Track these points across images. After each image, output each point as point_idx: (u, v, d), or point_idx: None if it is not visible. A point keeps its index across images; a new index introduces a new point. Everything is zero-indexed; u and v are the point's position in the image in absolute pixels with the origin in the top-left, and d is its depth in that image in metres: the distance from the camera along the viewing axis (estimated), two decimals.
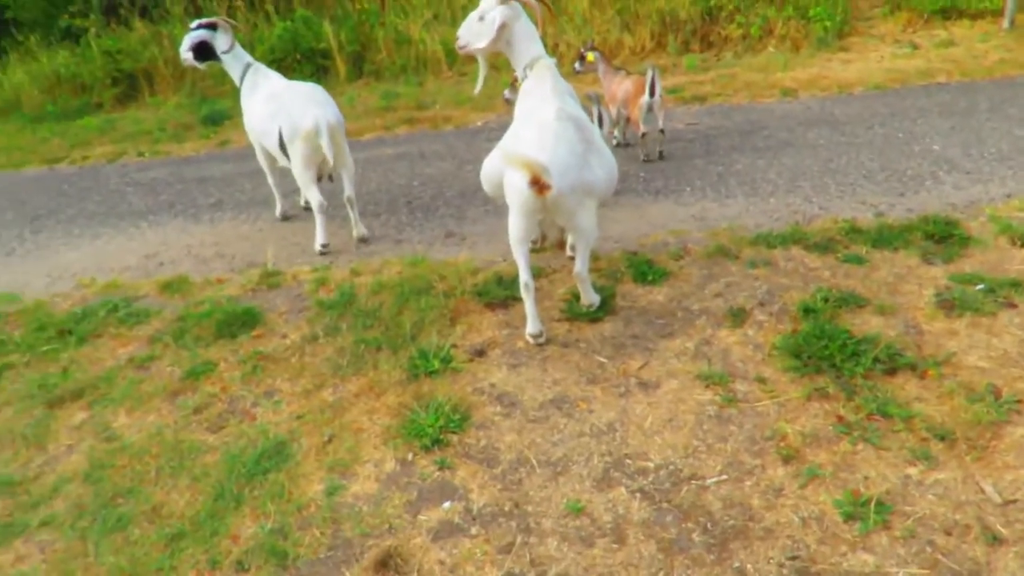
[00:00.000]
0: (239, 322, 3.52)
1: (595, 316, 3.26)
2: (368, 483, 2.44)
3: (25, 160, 7.18)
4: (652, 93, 4.85)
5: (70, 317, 3.76)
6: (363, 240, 4.36)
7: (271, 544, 2.21)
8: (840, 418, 2.49)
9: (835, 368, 2.71)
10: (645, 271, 3.56)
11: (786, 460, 2.35)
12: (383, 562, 2.10)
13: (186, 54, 4.52)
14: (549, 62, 3.23)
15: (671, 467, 2.39)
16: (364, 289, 3.73)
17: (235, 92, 8.42)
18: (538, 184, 2.74)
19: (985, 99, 5.79)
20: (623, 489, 2.33)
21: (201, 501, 2.44)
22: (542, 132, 2.92)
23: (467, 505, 2.31)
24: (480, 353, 3.12)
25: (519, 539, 2.17)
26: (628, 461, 2.44)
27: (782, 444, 2.42)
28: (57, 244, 4.96)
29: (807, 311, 3.07)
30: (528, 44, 3.26)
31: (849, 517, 2.11)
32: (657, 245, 3.88)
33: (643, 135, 5.08)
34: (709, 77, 7.21)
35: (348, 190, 4.24)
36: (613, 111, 5.30)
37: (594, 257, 3.79)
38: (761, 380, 2.74)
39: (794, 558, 2.02)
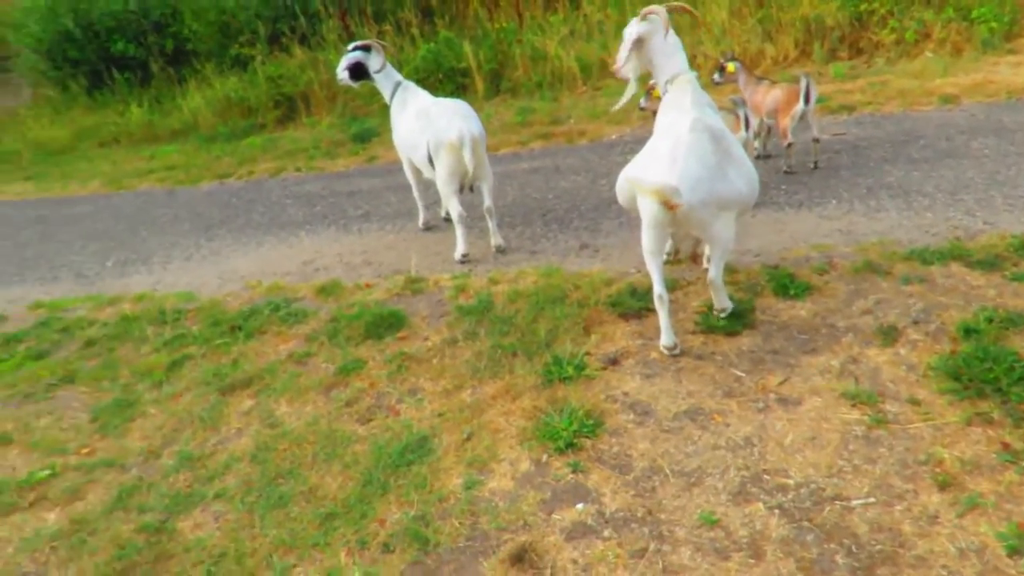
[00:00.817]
0: (386, 324, 3.76)
1: (732, 329, 3.21)
2: (504, 480, 2.54)
3: (200, 176, 8.01)
4: (807, 101, 4.72)
5: (239, 315, 4.17)
6: (500, 250, 4.51)
7: (414, 530, 2.36)
8: (1005, 445, 2.31)
9: (1000, 392, 2.51)
10: (787, 285, 3.45)
11: (942, 487, 2.21)
12: (518, 556, 2.19)
13: (342, 74, 4.88)
14: (690, 76, 3.22)
15: (812, 486, 2.32)
16: (501, 297, 3.87)
17: (382, 111, 9.02)
18: (668, 204, 2.78)
19: None
20: (761, 505, 2.28)
21: (351, 486, 2.64)
22: (675, 146, 2.93)
23: (600, 508, 2.35)
24: (613, 362, 3.15)
25: (652, 546, 2.19)
26: (766, 477, 2.39)
27: (938, 470, 2.28)
28: (228, 251, 5.50)
29: (968, 331, 2.87)
30: (669, 58, 3.25)
31: (1014, 551, 1.96)
32: (799, 259, 3.75)
33: (789, 145, 4.92)
34: (858, 85, 6.85)
35: (488, 201, 4.42)
36: (755, 122, 5.16)
37: (732, 270, 3.72)
38: (914, 402, 2.59)
39: None
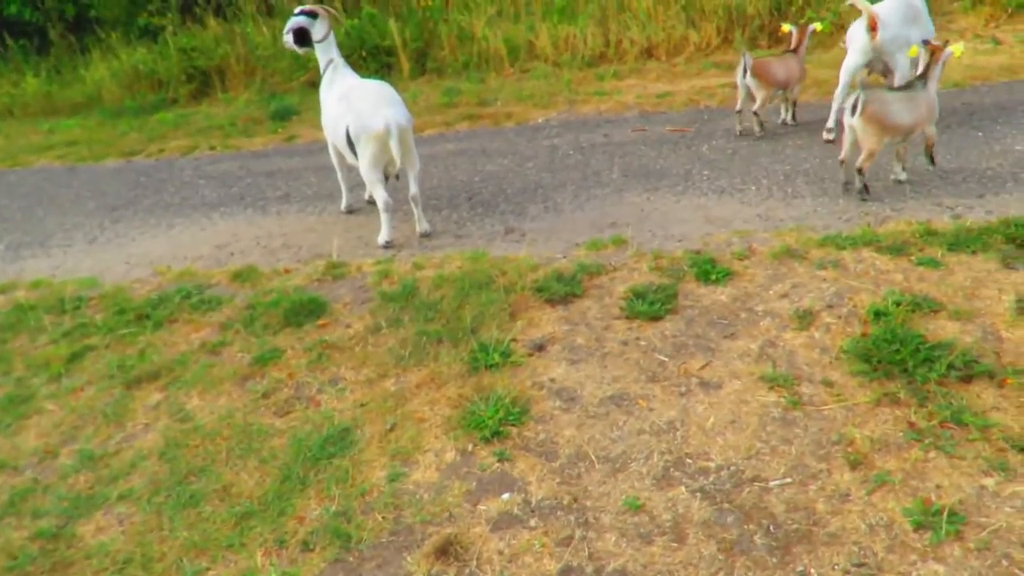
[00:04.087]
0: (305, 311, 3.62)
1: (656, 315, 3.24)
2: (429, 472, 2.48)
3: (105, 153, 7.53)
4: (744, 75, 5.23)
5: (147, 303, 3.94)
6: (426, 236, 4.41)
7: (335, 526, 2.28)
8: (911, 425, 2.41)
9: (907, 373, 2.62)
10: (708, 270, 3.51)
11: (853, 466, 2.29)
12: (443, 549, 2.14)
13: (286, 37, 4.63)
14: None
15: (732, 468, 2.36)
16: (426, 282, 3.79)
17: (303, 88, 8.72)
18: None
19: None
20: (683, 488, 2.31)
21: (269, 482, 2.53)
22: None
23: (526, 497, 2.33)
24: (540, 348, 3.13)
25: (577, 533, 2.18)
26: (689, 460, 2.42)
27: (849, 449, 2.36)
28: (134, 233, 5.19)
29: (877, 314, 2.98)
30: None
31: (919, 526, 2.04)
32: (721, 244, 3.82)
33: (738, 112, 5.52)
34: None
35: (413, 188, 4.28)
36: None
37: (656, 255, 3.76)
38: (828, 384, 2.67)
39: (860, 565, 1.97)
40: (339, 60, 4.58)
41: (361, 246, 4.43)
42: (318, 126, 7.60)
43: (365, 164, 4.18)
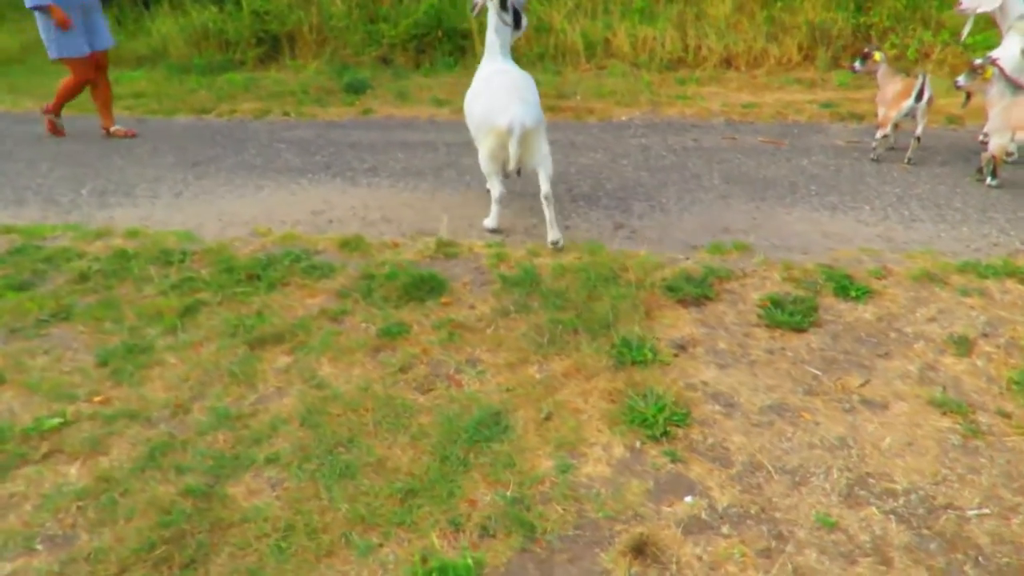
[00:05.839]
0: (425, 287, 3.51)
1: (799, 326, 3.14)
2: (599, 466, 2.38)
3: (175, 108, 7.41)
4: (919, 98, 4.90)
5: (255, 263, 3.83)
6: (556, 246, 3.95)
7: (514, 514, 2.17)
8: None
9: None
10: (847, 286, 3.41)
11: None
12: (638, 548, 2.04)
13: (505, 16, 4.29)
14: None
15: (921, 492, 2.26)
16: (546, 270, 3.69)
17: (373, 64, 8.60)
18: None
19: None
20: (874, 509, 2.21)
21: (426, 460, 2.43)
22: None
23: (711, 503, 2.23)
24: (681, 348, 3.03)
25: (774, 545, 2.08)
26: (871, 480, 2.32)
27: None
28: (222, 191, 5.07)
29: None
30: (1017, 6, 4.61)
31: None
32: (851, 261, 3.73)
33: (884, 136, 5.23)
34: (864, 95, 6.94)
35: (545, 187, 3.92)
36: (880, 112, 5.26)
37: (787, 265, 3.66)
38: (1004, 415, 2.58)
39: None
40: (495, 41, 4.31)
41: (465, 227, 4.32)
42: (391, 103, 7.57)
43: (482, 156, 4.01)
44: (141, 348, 3.14)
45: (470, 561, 2.00)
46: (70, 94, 6.31)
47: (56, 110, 6.45)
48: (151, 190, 5.13)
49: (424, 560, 2.04)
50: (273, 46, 8.73)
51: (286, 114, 7.07)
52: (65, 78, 6.24)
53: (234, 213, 4.66)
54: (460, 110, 7.11)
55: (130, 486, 2.37)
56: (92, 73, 6.16)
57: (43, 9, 5.77)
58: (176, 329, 3.28)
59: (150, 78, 8.52)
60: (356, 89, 7.52)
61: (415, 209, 4.66)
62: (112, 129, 6.47)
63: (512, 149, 3.76)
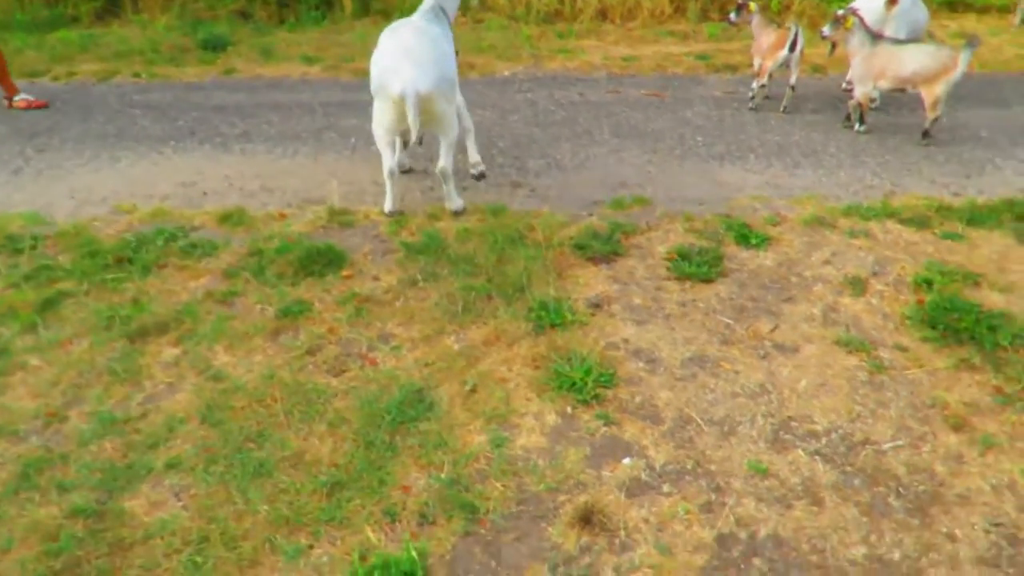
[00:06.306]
0: (323, 260, 3.27)
1: (707, 277, 3.19)
2: (534, 436, 2.30)
3: None
4: (793, 48, 5.07)
5: (123, 244, 3.41)
6: (457, 213, 3.77)
7: (453, 496, 2.06)
8: (998, 389, 2.51)
9: (975, 341, 2.73)
10: (747, 235, 3.50)
11: (956, 428, 2.35)
12: (585, 518, 1.99)
13: None
14: None
15: (840, 431, 2.36)
16: (450, 235, 3.53)
17: (230, 18, 7.89)
18: None
19: (1012, 91, 5.96)
20: (800, 451, 2.28)
21: (348, 448, 2.25)
22: None
23: (648, 462, 2.21)
24: (596, 307, 3.00)
25: (714, 499, 2.10)
26: (794, 423, 2.40)
27: (946, 412, 2.42)
28: (70, 164, 4.48)
29: (926, 283, 3.09)
30: None
31: None
32: (746, 209, 3.83)
33: (762, 86, 5.39)
34: (735, 47, 7.16)
35: (442, 161, 3.61)
36: (756, 63, 5.41)
37: (688, 217, 3.71)
38: (903, 349, 2.73)
39: (998, 524, 2.02)
40: (425, 5, 3.82)
41: (357, 193, 4.06)
42: (256, 60, 6.99)
43: (375, 121, 3.55)
44: None
45: (413, 553, 1.88)
46: None
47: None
48: None
49: (363, 558, 1.89)
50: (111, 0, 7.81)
51: (136, 75, 6.35)
52: None
53: (89, 189, 4.13)
54: (333, 67, 6.80)
55: (4, 512, 2.05)
56: None
57: None
58: (36, 327, 2.86)
59: None
60: (214, 46, 6.88)
61: (298, 176, 4.32)
62: (16, 99, 5.48)
63: (411, 118, 3.27)
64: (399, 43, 3.46)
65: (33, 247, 3.39)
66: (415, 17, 3.76)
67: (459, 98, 3.89)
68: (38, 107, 5.50)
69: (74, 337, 2.81)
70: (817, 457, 2.26)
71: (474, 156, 4.19)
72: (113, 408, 2.44)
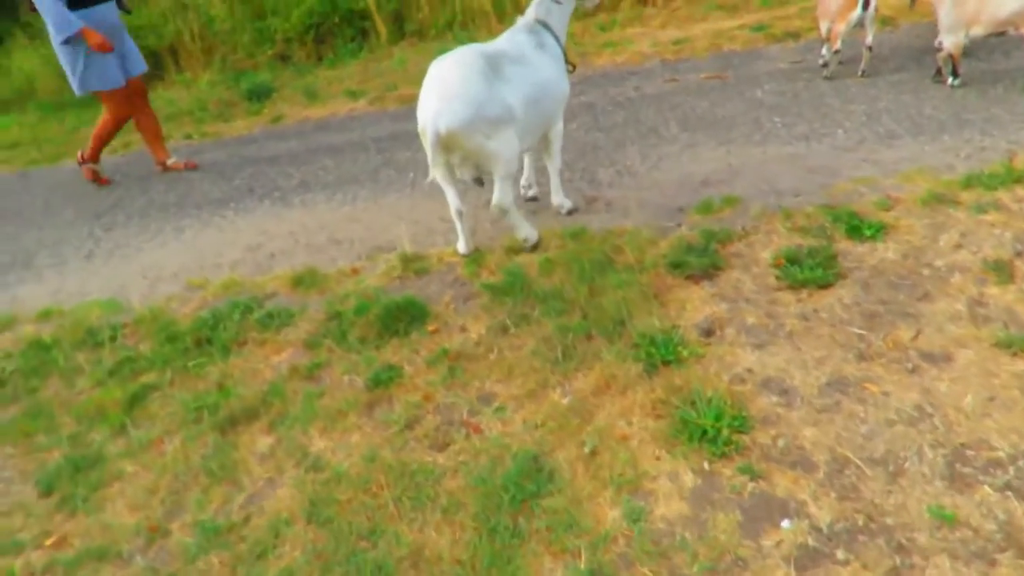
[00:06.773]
0: (405, 316, 3.08)
1: (824, 281, 2.86)
2: (673, 503, 2.05)
3: (59, 153, 6.58)
4: (866, 6, 4.65)
5: (200, 324, 3.31)
6: (527, 244, 3.46)
7: None
8: None
9: None
10: (858, 225, 3.15)
11: None
12: None
13: None
14: None
15: None
16: (533, 269, 3.30)
17: (270, 64, 7.87)
18: None
19: None
20: (987, 488, 1.95)
21: (469, 539, 2.05)
22: None
23: (812, 522, 1.93)
24: (709, 333, 2.71)
25: (900, 561, 1.80)
26: (969, 452, 2.07)
27: None
28: (138, 241, 4.46)
29: None
30: None
31: None
32: (850, 195, 3.47)
33: (836, 51, 4.95)
34: (793, 11, 6.71)
35: (496, 196, 3.29)
36: (824, 27, 5.04)
37: (787, 215, 3.38)
38: None
39: None
40: (521, 21, 3.58)
41: (425, 233, 3.88)
42: (301, 103, 6.93)
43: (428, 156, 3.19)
44: (89, 461, 2.63)
45: None
46: (109, 134, 5.36)
47: (95, 156, 5.51)
48: (55, 255, 4.47)
49: None
50: (155, 63, 7.88)
51: (188, 137, 6.37)
52: (102, 117, 5.28)
53: (159, 266, 4.07)
54: (378, 99, 6.67)
55: None
56: (131, 105, 5.23)
57: (74, 39, 4.74)
58: (126, 427, 2.77)
59: (22, 123, 7.59)
60: (259, 95, 6.85)
61: (362, 223, 4.17)
62: (170, 163, 5.57)
63: (430, 156, 3.06)
64: (438, 71, 3.17)
65: (113, 338, 3.32)
66: (504, 34, 3.50)
67: (559, 125, 3.63)
68: (190, 168, 5.55)
69: (164, 435, 2.70)
70: (1009, 493, 1.93)
71: (557, 197, 3.77)
72: (215, 514, 2.31)
